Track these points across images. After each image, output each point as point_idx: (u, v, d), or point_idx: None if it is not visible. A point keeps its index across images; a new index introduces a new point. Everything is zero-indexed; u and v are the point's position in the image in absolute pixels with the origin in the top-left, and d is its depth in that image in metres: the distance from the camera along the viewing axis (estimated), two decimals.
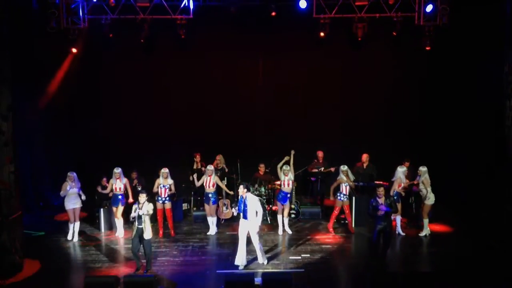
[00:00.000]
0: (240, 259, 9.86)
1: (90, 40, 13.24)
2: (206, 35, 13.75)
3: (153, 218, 11.27)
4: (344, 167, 11.58)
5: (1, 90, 9.80)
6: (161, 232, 11.61)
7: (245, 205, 9.75)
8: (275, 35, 13.76)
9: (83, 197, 11.42)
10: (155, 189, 11.51)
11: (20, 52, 11.57)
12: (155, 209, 10.93)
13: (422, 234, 11.41)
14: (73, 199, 11.29)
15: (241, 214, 9.86)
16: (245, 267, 9.84)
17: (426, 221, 11.40)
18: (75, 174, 11.34)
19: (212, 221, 11.83)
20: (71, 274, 9.90)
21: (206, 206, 11.78)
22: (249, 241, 9.93)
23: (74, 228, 11.43)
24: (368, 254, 10.16)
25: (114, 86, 14.13)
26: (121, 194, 11.52)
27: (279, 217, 11.80)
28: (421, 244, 11.17)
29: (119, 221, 11.65)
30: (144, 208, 9.55)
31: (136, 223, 9.54)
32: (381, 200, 9.57)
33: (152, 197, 12.16)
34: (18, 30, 11.48)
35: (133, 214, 9.53)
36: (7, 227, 9.75)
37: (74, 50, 13.03)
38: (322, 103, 14.39)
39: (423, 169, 11.26)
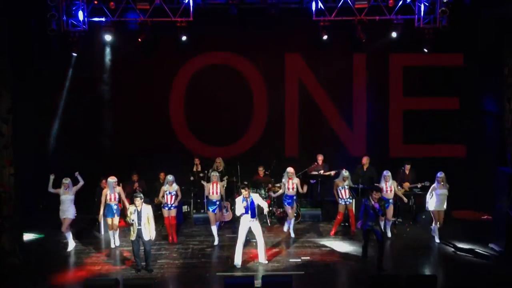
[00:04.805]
0: (238, 258, 9.97)
1: (90, 43, 13.25)
2: (206, 37, 13.75)
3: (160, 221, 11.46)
4: (346, 172, 11.64)
5: (1, 92, 9.83)
6: (170, 239, 11.41)
7: (252, 204, 9.89)
8: (276, 37, 13.76)
9: (80, 179, 11.09)
10: (160, 197, 11.37)
11: (21, 55, 11.57)
12: (155, 212, 10.91)
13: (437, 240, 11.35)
14: (65, 207, 10.82)
15: (249, 213, 9.91)
16: (244, 267, 9.89)
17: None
18: (69, 180, 10.90)
19: (215, 229, 11.38)
20: (71, 277, 9.89)
21: (211, 214, 11.36)
22: (246, 242, 10.10)
23: (68, 238, 11.04)
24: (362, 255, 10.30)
25: (114, 88, 14.12)
26: (116, 204, 11.06)
27: (292, 221, 11.75)
28: (419, 246, 11.15)
29: (115, 232, 11.19)
30: (143, 210, 9.58)
31: (136, 224, 9.58)
32: (374, 202, 9.82)
33: (152, 200, 12.21)
34: (18, 32, 11.49)
35: (131, 216, 9.55)
36: (7, 230, 9.76)
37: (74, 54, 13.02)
38: (322, 104, 14.38)
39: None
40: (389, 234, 11.63)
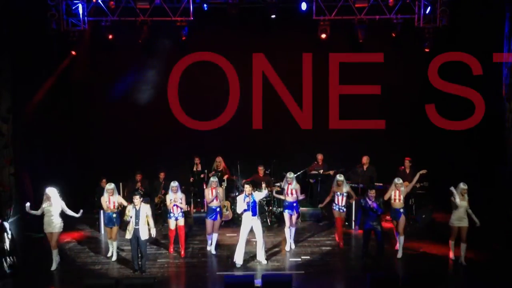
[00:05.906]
0: (239, 256, 9.97)
1: (90, 42, 13.24)
2: (206, 36, 13.76)
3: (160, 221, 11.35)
4: (340, 177, 11.11)
5: (1, 92, 9.85)
6: (171, 249, 10.78)
7: (254, 202, 9.91)
8: (275, 37, 13.78)
9: (79, 214, 10.13)
10: (169, 206, 10.56)
11: (21, 55, 11.57)
12: (154, 211, 10.88)
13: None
14: (50, 220, 9.89)
15: (250, 211, 9.92)
16: (244, 267, 9.90)
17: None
18: (55, 190, 9.94)
19: (212, 238, 10.82)
20: (70, 276, 9.89)
21: (209, 222, 10.64)
22: (247, 242, 10.07)
23: (53, 256, 10.02)
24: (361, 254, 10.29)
25: (114, 87, 14.12)
26: (115, 213, 10.34)
27: (286, 230, 10.96)
28: (419, 246, 11.15)
29: (114, 242, 10.52)
30: (142, 209, 9.57)
31: (133, 223, 9.55)
32: (371, 201, 9.78)
33: (152, 200, 12.20)
34: (18, 32, 11.49)
35: (129, 214, 9.54)
36: (6, 229, 9.77)
37: (73, 53, 13.00)
38: (322, 104, 14.39)
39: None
40: (400, 254, 10.44)
